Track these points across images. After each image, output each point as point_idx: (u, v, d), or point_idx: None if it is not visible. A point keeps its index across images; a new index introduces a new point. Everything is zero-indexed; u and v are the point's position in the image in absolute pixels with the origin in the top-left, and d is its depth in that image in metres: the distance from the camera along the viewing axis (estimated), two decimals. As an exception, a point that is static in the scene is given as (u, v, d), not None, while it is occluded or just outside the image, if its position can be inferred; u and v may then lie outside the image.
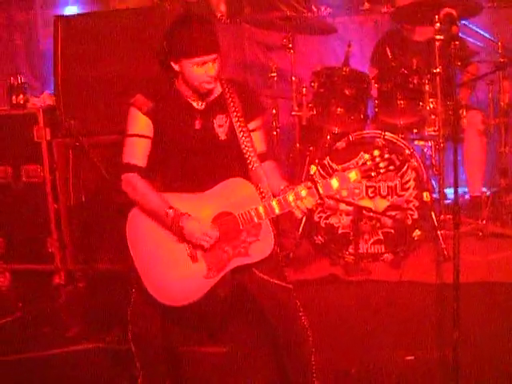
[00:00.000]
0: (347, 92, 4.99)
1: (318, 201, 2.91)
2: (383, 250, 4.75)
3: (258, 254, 2.96)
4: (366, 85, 5.12)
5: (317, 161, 4.78)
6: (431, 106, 4.91)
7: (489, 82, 5.29)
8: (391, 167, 2.92)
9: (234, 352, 3.79)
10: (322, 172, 4.69)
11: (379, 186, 4.73)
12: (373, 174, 2.89)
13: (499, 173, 5.28)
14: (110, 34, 4.89)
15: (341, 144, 4.74)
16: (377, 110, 5.13)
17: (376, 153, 2.90)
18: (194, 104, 3.06)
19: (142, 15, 4.99)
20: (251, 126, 3.10)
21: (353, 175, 2.87)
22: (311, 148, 5.02)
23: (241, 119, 3.05)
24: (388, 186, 4.72)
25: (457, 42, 4.34)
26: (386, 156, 2.88)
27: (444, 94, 4.80)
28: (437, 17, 4.61)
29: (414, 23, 5.46)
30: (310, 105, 5.14)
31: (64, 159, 4.96)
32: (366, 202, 4.72)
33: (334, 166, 4.68)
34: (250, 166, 3.03)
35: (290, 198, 2.89)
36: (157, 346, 3.15)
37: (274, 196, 2.95)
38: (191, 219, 2.90)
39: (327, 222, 4.79)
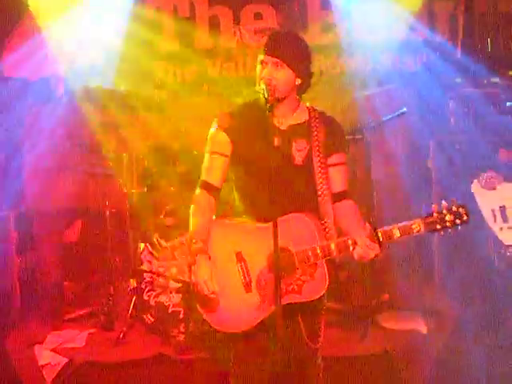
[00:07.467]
0: (179, 169, 5.02)
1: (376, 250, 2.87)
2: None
3: (310, 294, 2.93)
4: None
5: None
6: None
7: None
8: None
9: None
10: (150, 249, 4.66)
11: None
12: (438, 226, 2.88)
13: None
14: None
15: (169, 220, 4.74)
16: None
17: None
18: (276, 122, 3.04)
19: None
20: (332, 159, 3.10)
21: (416, 226, 2.87)
22: (142, 225, 4.98)
23: (321, 149, 3.04)
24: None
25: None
26: (454, 209, 2.87)
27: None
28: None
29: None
30: (141, 183, 5.15)
31: None
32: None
33: (163, 243, 4.66)
34: (321, 199, 3.02)
35: (349, 242, 2.89)
36: None
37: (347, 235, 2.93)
38: (206, 262, 2.91)
39: (157, 300, 4.71)
